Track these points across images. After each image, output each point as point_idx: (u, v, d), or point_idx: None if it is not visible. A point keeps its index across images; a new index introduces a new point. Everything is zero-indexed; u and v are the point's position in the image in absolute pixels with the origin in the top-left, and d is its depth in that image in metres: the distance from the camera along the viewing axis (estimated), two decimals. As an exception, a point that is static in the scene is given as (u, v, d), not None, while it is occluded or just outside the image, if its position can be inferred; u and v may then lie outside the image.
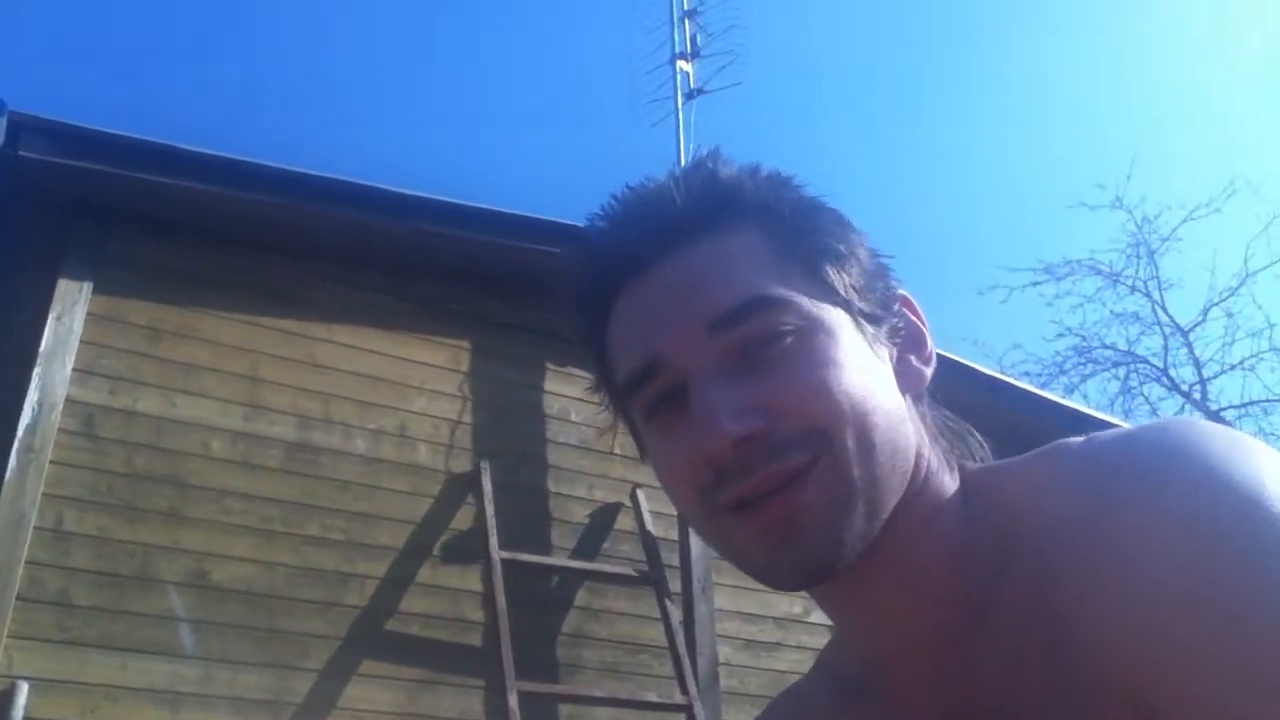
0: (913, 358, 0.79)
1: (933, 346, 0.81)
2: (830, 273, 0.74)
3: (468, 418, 4.45)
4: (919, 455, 0.76)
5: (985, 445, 0.83)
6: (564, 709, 4.12)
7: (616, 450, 4.64)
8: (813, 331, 0.71)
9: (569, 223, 4.54)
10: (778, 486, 0.69)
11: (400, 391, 4.35)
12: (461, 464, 4.35)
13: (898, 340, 0.78)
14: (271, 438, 4.02)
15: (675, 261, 0.73)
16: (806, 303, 0.72)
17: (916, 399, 0.79)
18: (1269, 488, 0.62)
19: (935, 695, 0.75)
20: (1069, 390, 13.38)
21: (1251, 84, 21.35)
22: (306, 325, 4.25)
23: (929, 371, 0.80)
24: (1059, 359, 14.26)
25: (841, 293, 0.74)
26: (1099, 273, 14.29)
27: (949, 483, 0.78)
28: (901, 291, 0.80)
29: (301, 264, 4.29)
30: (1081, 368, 14.26)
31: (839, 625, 0.84)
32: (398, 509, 4.15)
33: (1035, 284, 14.36)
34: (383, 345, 4.38)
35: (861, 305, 0.75)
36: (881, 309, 0.77)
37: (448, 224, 4.41)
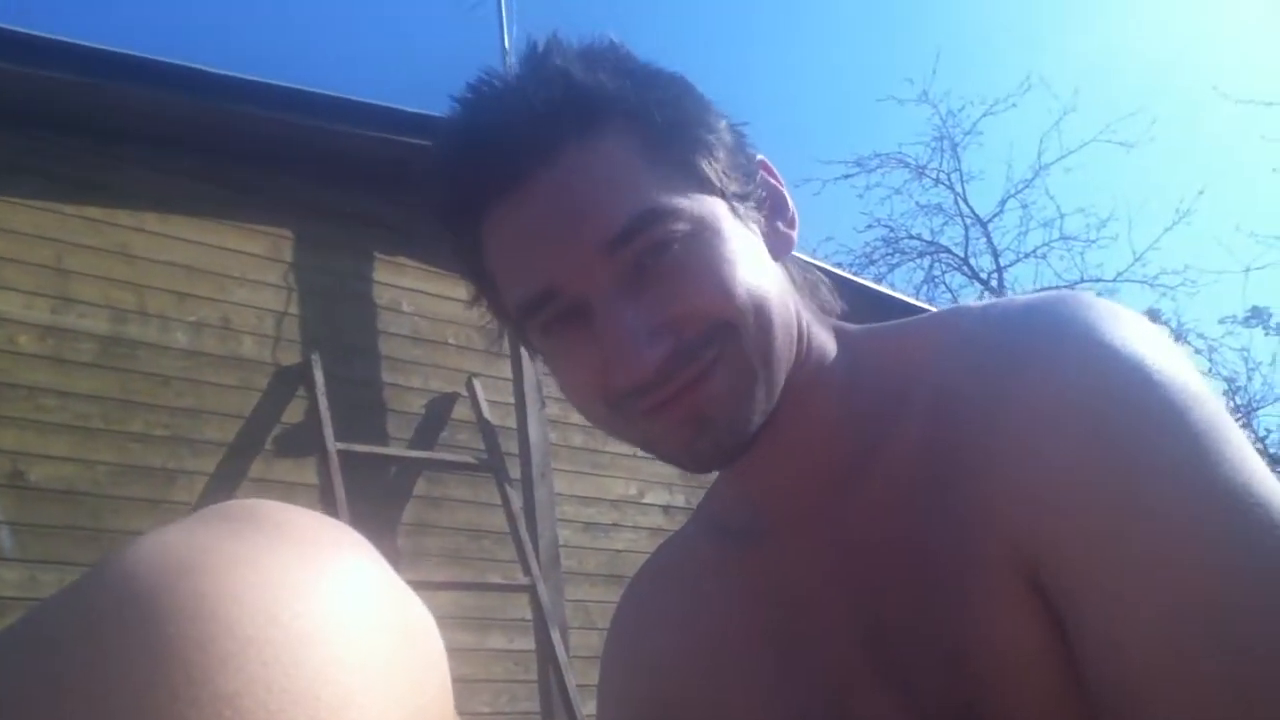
0: (779, 223, 0.80)
1: (794, 206, 0.82)
2: (703, 166, 0.73)
3: (294, 309, 4.29)
4: (799, 318, 0.78)
5: (835, 292, 0.86)
6: (409, 596, 4.10)
7: (450, 340, 4.58)
8: (700, 232, 0.71)
9: (390, 105, 4.39)
10: (690, 385, 0.70)
11: (219, 282, 4.14)
12: (290, 356, 4.20)
13: (764, 210, 0.79)
14: (83, 331, 3.77)
15: (550, 176, 0.70)
16: (689, 204, 0.71)
17: (785, 262, 0.80)
18: (1162, 361, 0.66)
19: (821, 540, 0.79)
20: (878, 279, 13.83)
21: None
22: (112, 213, 3.97)
23: (794, 234, 0.81)
24: (869, 249, 14.75)
25: (716, 183, 0.74)
26: (906, 165, 14.75)
27: (829, 342, 0.81)
28: (760, 157, 0.80)
29: (104, 147, 3.99)
30: (889, 257, 14.80)
31: (729, 483, 0.87)
32: (224, 403, 3.99)
33: (847, 176, 14.70)
34: (197, 234, 4.13)
35: (733, 188, 0.75)
36: (748, 183, 0.77)
37: (262, 105, 4.16)
